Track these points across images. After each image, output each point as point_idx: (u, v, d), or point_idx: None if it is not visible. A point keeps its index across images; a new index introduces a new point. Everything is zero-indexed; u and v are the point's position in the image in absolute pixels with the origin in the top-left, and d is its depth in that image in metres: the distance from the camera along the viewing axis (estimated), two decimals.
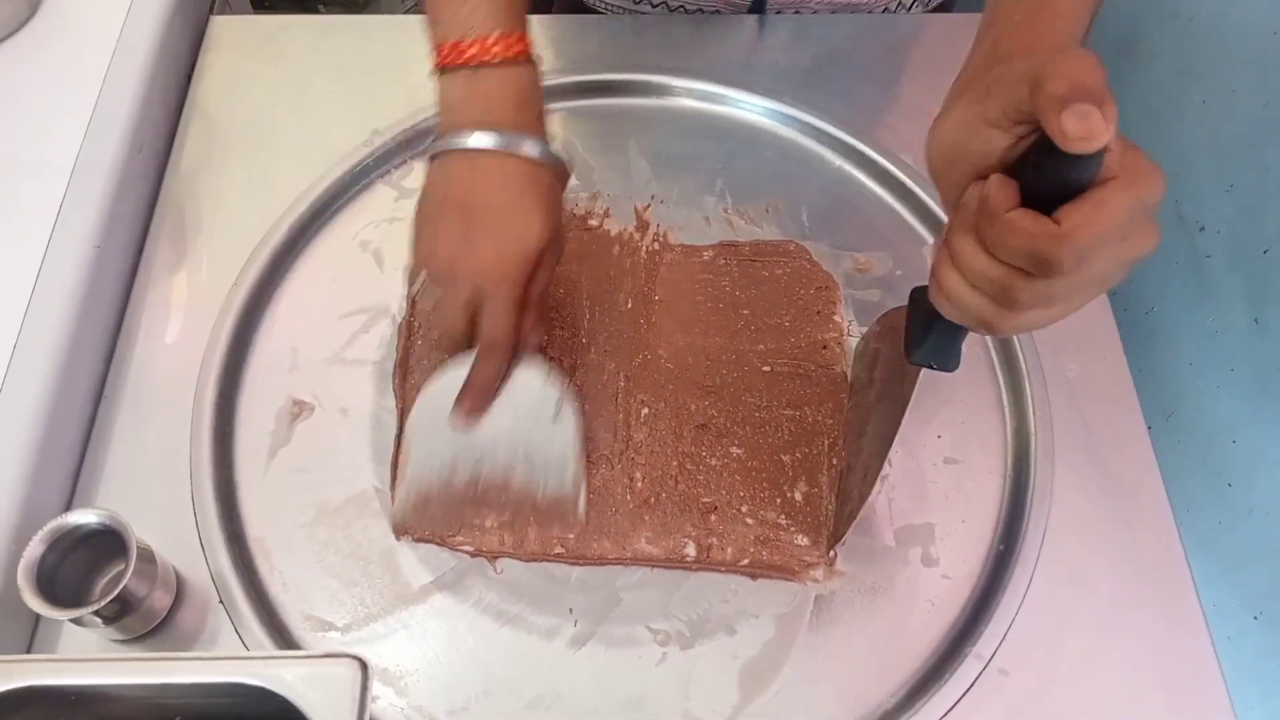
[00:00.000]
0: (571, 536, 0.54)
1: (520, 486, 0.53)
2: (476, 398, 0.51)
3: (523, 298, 0.49)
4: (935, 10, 0.77)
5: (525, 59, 0.49)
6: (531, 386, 0.52)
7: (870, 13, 0.75)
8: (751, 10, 0.74)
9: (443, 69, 0.49)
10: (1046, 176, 0.31)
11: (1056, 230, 0.31)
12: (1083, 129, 0.28)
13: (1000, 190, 0.32)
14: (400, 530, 0.54)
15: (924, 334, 0.43)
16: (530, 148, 0.48)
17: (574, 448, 0.53)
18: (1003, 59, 0.39)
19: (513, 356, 0.51)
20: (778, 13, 0.74)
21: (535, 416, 0.52)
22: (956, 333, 0.42)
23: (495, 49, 0.47)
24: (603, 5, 0.75)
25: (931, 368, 0.44)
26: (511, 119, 0.48)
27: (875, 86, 0.71)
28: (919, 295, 0.44)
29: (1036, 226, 0.31)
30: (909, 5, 0.75)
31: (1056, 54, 0.30)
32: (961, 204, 0.35)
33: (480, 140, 0.47)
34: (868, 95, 0.71)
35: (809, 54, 0.73)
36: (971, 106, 0.34)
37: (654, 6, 0.74)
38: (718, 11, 0.74)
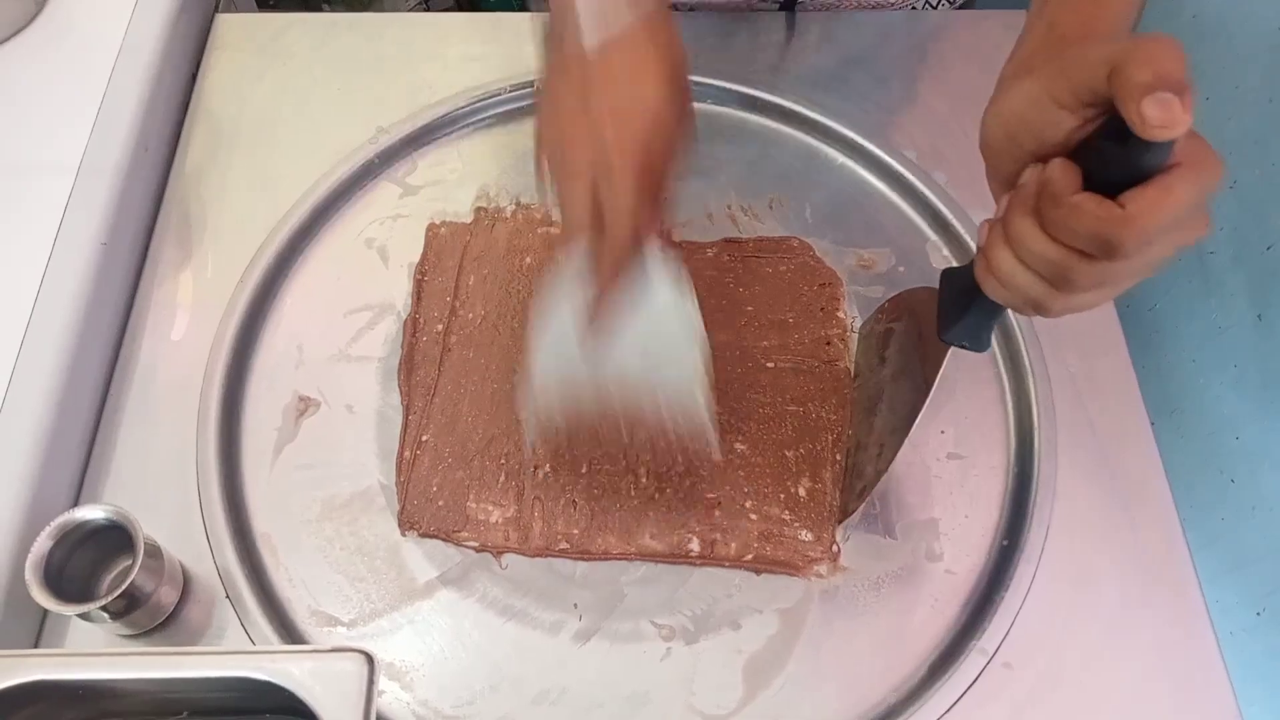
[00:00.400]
0: (577, 532, 0.54)
1: (653, 413, 0.48)
2: (602, 308, 0.44)
3: (649, 177, 0.41)
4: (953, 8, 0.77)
5: None
6: (661, 301, 0.45)
7: (896, 9, 0.75)
8: (782, 8, 0.74)
9: None
10: (1114, 161, 0.32)
11: (1122, 214, 0.31)
12: (1163, 117, 0.29)
13: (1064, 173, 0.33)
14: (531, 441, 0.53)
15: (960, 313, 0.43)
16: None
17: (703, 373, 0.48)
18: (1060, 40, 0.39)
19: (637, 252, 0.43)
20: (802, 8, 0.73)
21: (662, 335, 0.46)
22: (994, 313, 0.42)
23: None
24: None
25: (964, 347, 0.44)
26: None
27: (879, 83, 0.71)
28: (953, 275, 0.44)
29: (1103, 210, 0.32)
30: (935, 3, 0.75)
31: (1139, 40, 0.30)
32: (1019, 186, 0.35)
33: (590, 36, 0.41)
34: (872, 92, 0.71)
35: (812, 52, 0.73)
36: (1040, 85, 0.34)
37: (690, 9, 0.74)
38: (749, 8, 0.74)
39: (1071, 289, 0.35)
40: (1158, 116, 0.28)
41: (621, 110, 0.41)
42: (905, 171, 0.66)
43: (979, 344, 0.44)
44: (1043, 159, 0.34)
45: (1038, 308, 0.37)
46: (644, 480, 0.55)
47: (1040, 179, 0.34)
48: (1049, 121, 0.34)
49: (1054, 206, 0.33)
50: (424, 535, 0.54)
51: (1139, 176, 0.31)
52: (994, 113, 0.37)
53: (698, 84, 0.70)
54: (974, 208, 0.65)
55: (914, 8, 0.75)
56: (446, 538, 0.54)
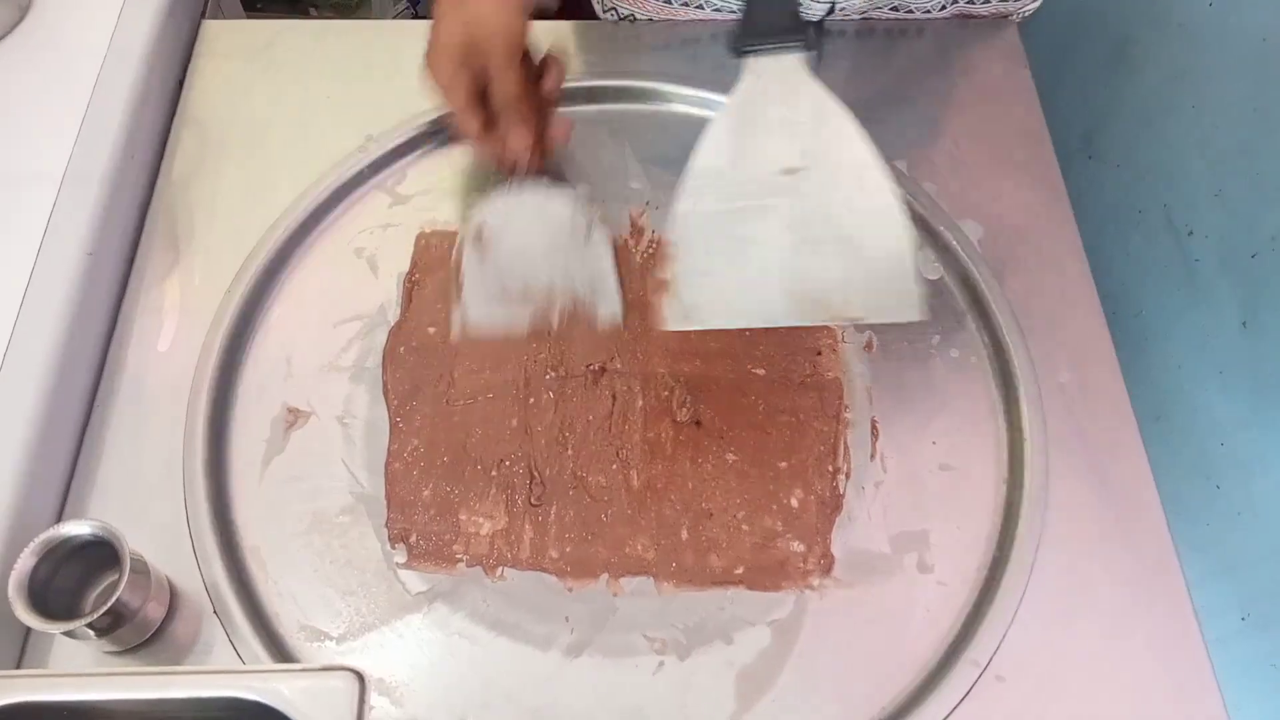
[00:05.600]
0: (569, 547, 0.54)
1: (564, 300, 0.60)
2: (524, 156, 0.57)
3: (524, 52, 0.53)
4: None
5: None
6: (563, 214, 0.60)
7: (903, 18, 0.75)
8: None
9: None
10: None
11: None
12: None
13: None
14: (464, 334, 0.59)
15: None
16: None
17: (609, 262, 0.61)
18: None
19: (534, 112, 0.56)
20: (840, 33, 0.74)
21: (569, 239, 0.60)
22: None
23: None
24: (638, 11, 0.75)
25: (766, 48, 0.43)
26: None
27: (866, 91, 0.71)
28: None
29: None
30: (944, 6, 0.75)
31: None
32: None
33: None
34: (858, 101, 0.70)
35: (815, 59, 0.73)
36: None
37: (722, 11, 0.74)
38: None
39: None
40: None
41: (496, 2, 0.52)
42: (894, 182, 0.66)
43: (794, 36, 0.44)
44: None
45: None
46: (636, 491, 0.55)
47: None
48: None
49: None
50: (414, 558, 0.53)
51: None
52: None
53: (691, 91, 0.70)
54: (963, 218, 0.65)
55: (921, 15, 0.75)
56: (436, 565, 0.53)
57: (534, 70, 0.57)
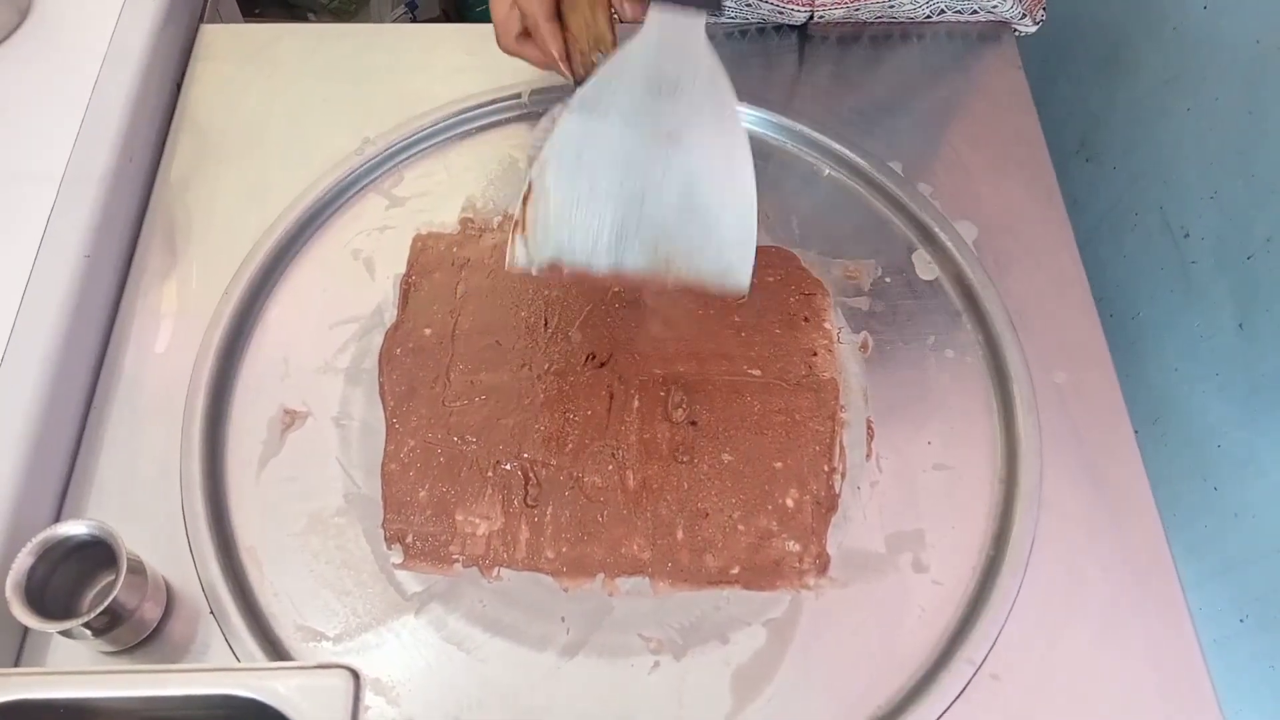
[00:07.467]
0: (565, 547, 0.54)
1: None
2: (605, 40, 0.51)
3: None
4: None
5: None
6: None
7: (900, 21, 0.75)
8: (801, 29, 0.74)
9: None
10: None
11: None
12: None
13: None
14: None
15: None
16: None
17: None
18: None
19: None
20: (824, 39, 0.74)
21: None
22: None
23: None
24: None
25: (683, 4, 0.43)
26: None
27: (865, 95, 0.72)
28: None
29: None
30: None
31: None
32: None
33: None
34: (857, 103, 0.71)
35: (797, 63, 0.74)
36: None
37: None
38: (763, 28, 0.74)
39: None
40: None
41: None
42: (890, 183, 0.66)
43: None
44: None
45: None
46: (632, 490, 0.55)
47: None
48: None
49: None
50: (411, 558, 0.53)
51: None
52: None
53: None
54: (959, 219, 0.65)
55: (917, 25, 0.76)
56: (433, 565, 0.53)
57: None
